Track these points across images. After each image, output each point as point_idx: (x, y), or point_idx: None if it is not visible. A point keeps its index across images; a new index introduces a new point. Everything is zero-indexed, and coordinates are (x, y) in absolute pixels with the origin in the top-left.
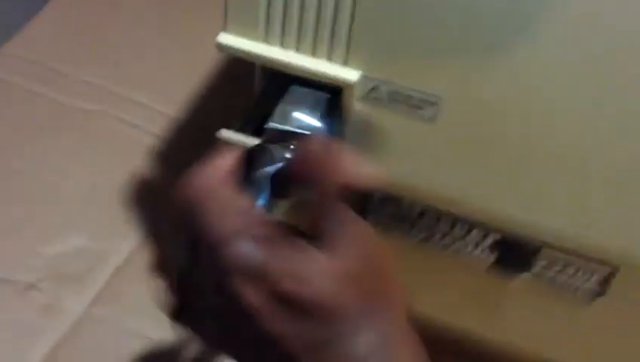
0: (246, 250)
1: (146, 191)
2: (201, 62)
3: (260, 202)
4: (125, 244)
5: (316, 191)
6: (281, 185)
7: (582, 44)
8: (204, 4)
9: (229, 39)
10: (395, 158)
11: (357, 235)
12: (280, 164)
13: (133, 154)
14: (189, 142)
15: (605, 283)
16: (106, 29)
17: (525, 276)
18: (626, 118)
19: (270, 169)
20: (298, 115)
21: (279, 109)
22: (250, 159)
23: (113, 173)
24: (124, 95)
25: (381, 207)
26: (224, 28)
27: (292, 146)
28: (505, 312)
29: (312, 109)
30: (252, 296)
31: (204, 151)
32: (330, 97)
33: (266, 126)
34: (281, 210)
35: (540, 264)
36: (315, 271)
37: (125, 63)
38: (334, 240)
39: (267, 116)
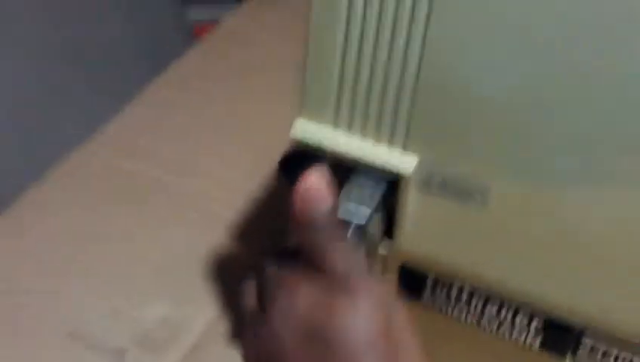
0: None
1: (225, 262)
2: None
3: None
4: (205, 314)
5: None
6: None
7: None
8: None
9: (303, 129)
10: (446, 242)
11: (375, 287)
12: None
13: (214, 226)
14: (266, 218)
15: None
16: (188, 110)
17: (569, 361)
18: None
19: None
20: (360, 196)
21: (344, 190)
22: None
23: (196, 245)
24: (207, 170)
25: (434, 289)
26: (300, 114)
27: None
28: None
29: (372, 192)
30: (283, 326)
31: (279, 229)
32: (390, 183)
33: None
34: None
35: (582, 350)
36: (342, 310)
37: (208, 141)
38: (357, 286)
39: None
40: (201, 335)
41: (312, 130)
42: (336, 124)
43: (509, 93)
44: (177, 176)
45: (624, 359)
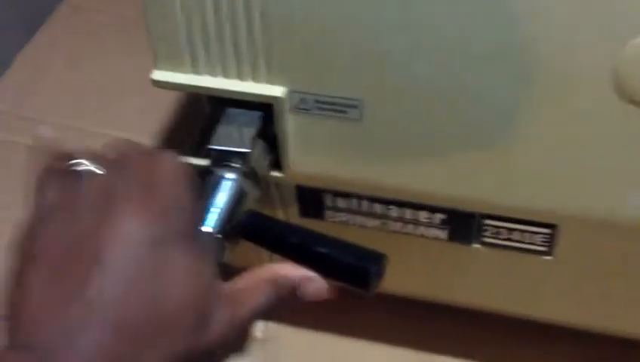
0: None
1: None
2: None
3: (209, 227)
4: None
5: None
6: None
7: None
8: None
9: (162, 75)
10: (331, 157)
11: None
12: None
13: None
14: None
15: (550, 242)
16: (68, 69)
17: (477, 246)
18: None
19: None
20: (236, 134)
21: (218, 131)
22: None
23: None
24: (91, 131)
25: (333, 204)
26: (155, 65)
27: (234, 165)
28: (466, 278)
29: (248, 127)
30: None
31: None
32: (265, 113)
33: (209, 147)
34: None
35: (487, 233)
36: None
37: (89, 101)
38: None
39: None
40: None
41: (173, 77)
42: (195, 69)
43: (356, 13)
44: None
45: (527, 234)
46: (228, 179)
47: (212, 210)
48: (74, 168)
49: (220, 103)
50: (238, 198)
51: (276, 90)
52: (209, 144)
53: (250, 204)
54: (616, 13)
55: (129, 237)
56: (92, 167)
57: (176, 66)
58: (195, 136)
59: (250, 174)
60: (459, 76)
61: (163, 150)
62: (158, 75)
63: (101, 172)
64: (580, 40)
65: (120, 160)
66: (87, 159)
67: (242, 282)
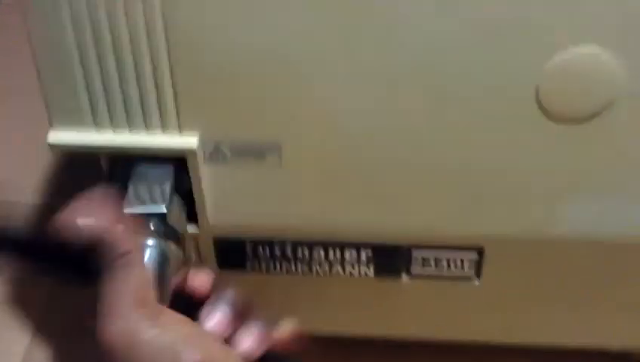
0: None
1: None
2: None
3: None
4: (18, 346)
5: None
6: None
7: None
8: None
9: (59, 136)
10: (251, 206)
11: None
12: None
13: None
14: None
15: (478, 266)
16: None
17: (406, 278)
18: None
19: None
20: (149, 193)
21: (130, 192)
22: None
23: None
24: None
25: (255, 253)
26: (51, 124)
27: (152, 227)
28: (398, 311)
29: (161, 183)
30: None
31: None
32: (177, 166)
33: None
34: None
35: (415, 264)
36: None
37: None
38: None
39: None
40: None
41: (73, 137)
42: (98, 126)
43: (261, 56)
44: None
45: (455, 261)
46: (147, 245)
47: None
48: None
49: (121, 159)
50: (161, 265)
51: (189, 141)
52: (124, 207)
53: (174, 269)
54: (536, 33)
55: None
56: None
57: (75, 124)
58: None
59: (169, 235)
60: (382, 112)
61: None
62: (55, 136)
63: None
64: (503, 60)
65: None
66: None
67: None
